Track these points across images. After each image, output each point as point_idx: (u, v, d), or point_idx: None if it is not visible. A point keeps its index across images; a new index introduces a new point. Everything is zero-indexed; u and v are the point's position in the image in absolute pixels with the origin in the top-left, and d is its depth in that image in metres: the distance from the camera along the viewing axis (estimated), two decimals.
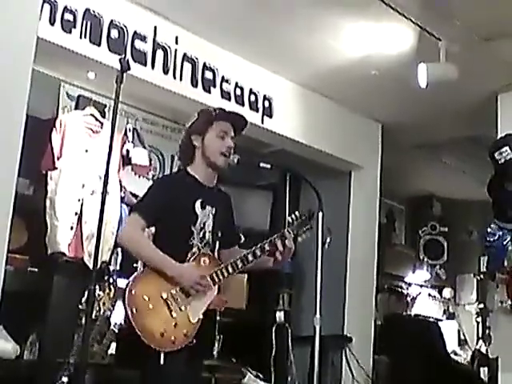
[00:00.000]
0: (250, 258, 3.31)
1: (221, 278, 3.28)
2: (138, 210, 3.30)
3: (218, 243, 3.40)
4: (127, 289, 3.11)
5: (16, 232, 4.20)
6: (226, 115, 3.48)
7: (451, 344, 8.11)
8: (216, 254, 3.40)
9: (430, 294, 9.12)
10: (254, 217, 6.62)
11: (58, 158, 5.09)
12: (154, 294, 3.13)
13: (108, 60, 4.69)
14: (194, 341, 3.16)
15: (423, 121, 6.52)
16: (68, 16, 4.53)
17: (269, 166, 3.69)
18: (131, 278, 3.16)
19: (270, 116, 5.86)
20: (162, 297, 3.14)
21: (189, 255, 3.26)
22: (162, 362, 3.04)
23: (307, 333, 4.22)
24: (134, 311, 3.06)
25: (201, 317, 3.21)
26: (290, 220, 3.42)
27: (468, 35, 5.00)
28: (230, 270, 3.29)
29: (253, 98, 5.72)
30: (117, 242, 3.52)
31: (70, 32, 4.55)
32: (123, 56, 2.99)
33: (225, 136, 3.40)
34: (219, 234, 3.42)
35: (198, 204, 3.33)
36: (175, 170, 5.82)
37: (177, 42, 5.17)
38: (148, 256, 3.21)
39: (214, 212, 3.38)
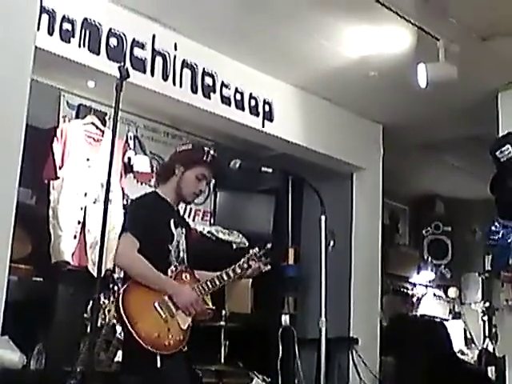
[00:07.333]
0: (225, 277, 3.64)
1: (202, 292, 3.53)
2: (130, 230, 3.45)
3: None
4: (120, 299, 3.30)
5: (20, 242, 4.20)
6: (213, 165, 3.70)
7: (458, 343, 8.10)
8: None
9: (435, 294, 9.11)
10: (257, 221, 6.63)
11: (60, 168, 5.09)
12: (146, 302, 3.33)
13: (107, 68, 4.68)
14: (186, 348, 3.40)
15: (424, 121, 6.51)
16: (66, 25, 4.53)
17: (270, 170, 3.71)
18: (122, 290, 3.36)
19: (271, 120, 5.85)
20: (153, 304, 3.34)
21: (169, 272, 3.49)
22: (158, 365, 3.22)
23: (313, 336, 4.23)
24: (130, 318, 3.23)
25: (190, 324, 3.42)
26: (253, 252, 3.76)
27: (467, 34, 4.99)
28: (210, 285, 3.60)
29: (253, 102, 5.71)
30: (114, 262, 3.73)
31: (69, 41, 4.55)
32: (122, 64, 3.00)
33: (202, 179, 3.65)
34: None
35: (172, 223, 3.57)
36: None
37: (176, 49, 5.17)
38: (149, 276, 3.39)
39: (184, 232, 3.65)
